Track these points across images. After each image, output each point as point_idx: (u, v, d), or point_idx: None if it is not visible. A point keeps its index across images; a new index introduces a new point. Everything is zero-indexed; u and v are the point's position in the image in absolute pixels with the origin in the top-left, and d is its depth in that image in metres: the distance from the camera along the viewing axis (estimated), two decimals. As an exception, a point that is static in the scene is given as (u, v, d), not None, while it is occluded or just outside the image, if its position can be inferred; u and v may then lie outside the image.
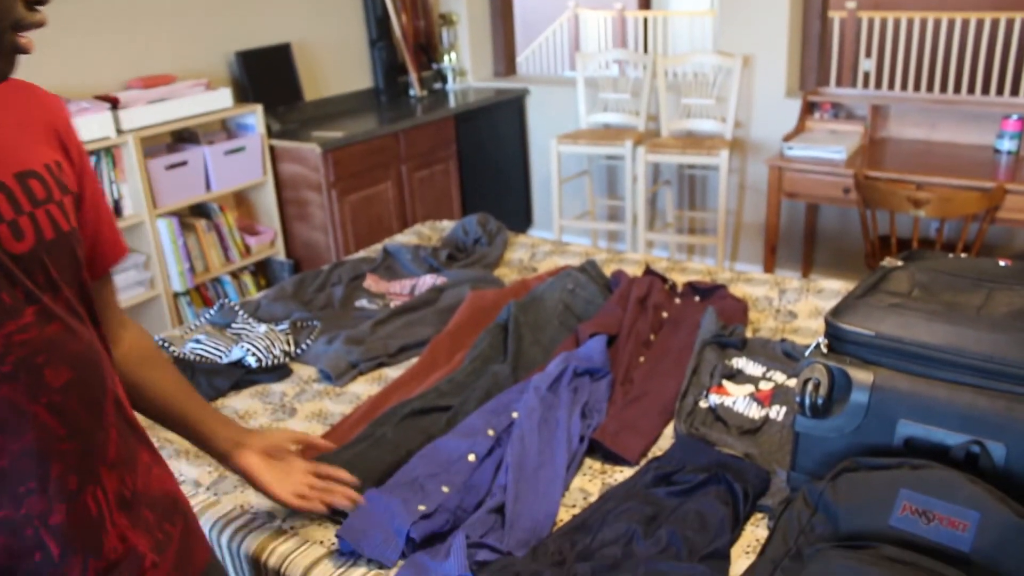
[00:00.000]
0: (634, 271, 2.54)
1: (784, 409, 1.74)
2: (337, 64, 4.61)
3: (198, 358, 2.09)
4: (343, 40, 4.62)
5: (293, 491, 1.34)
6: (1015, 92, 5.99)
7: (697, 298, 2.29)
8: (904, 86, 6.40)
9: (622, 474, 1.60)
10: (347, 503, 1.37)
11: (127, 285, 3.47)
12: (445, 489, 1.50)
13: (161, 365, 1.23)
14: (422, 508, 1.42)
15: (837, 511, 1.18)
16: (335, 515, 1.47)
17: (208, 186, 3.73)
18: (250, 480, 1.33)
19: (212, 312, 2.36)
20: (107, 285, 1.12)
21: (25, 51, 0.80)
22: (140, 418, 1.09)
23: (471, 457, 1.58)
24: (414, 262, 2.69)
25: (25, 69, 3.21)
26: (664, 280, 2.34)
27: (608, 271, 2.54)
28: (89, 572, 0.91)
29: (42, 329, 0.86)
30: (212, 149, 3.68)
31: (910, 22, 6.33)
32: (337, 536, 1.37)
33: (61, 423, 0.88)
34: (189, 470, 1.66)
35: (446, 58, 5.09)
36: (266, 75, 4.11)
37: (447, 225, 3.12)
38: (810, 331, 2.12)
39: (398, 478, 1.53)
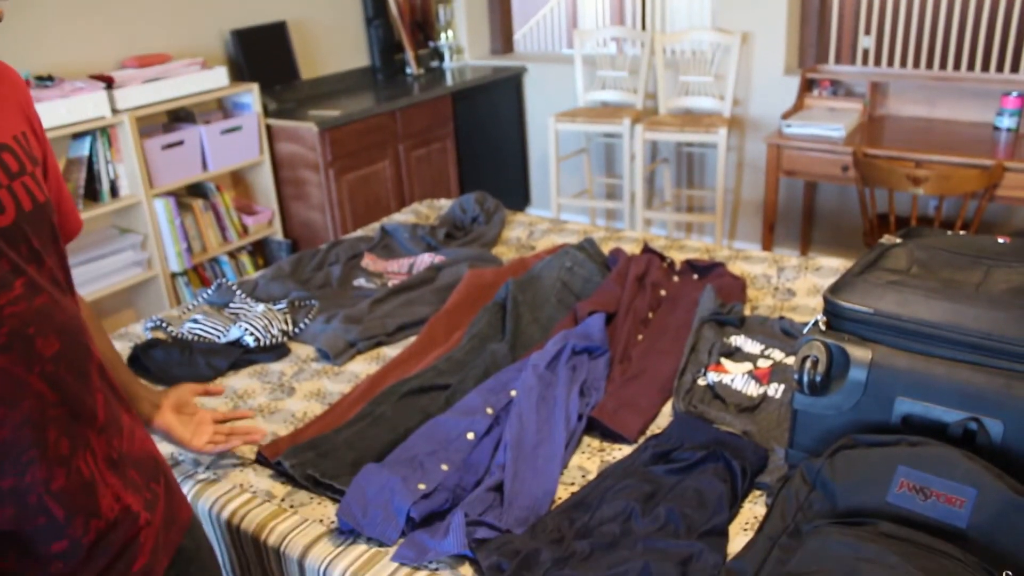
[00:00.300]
0: (632, 249, 2.54)
1: (782, 387, 1.74)
2: (333, 42, 4.58)
3: (196, 338, 2.09)
4: (339, 18, 4.58)
5: (205, 441, 1.47)
6: (1015, 69, 5.97)
7: (695, 276, 2.28)
8: (904, 63, 6.37)
9: (620, 452, 1.60)
10: (250, 441, 1.51)
11: (125, 266, 3.46)
12: (444, 467, 1.50)
13: (99, 333, 1.27)
14: (422, 487, 1.43)
15: (835, 488, 1.18)
16: (327, 492, 1.47)
17: (205, 166, 3.72)
18: (169, 438, 1.42)
19: (210, 292, 2.35)
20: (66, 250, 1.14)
21: None
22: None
23: (470, 435, 1.58)
24: (412, 241, 2.68)
25: (19, 48, 3.19)
26: (662, 258, 2.33)
27: (606, 249, 2.53)
28: (91, 532, 0.95)
29: (31, 301, 0.87)
30: (208, 128, 3.66)
31: (910, -2, 6.28)
32: (337, 516, 1.38)
33: (53, 390, 0.90)
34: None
35: (443, 36, 5.06)
36: (262, 54, 4.08)
37: (444, 204, 3.11)
38: (808, 309, 2.12)
39: (397, 455, 1.53)
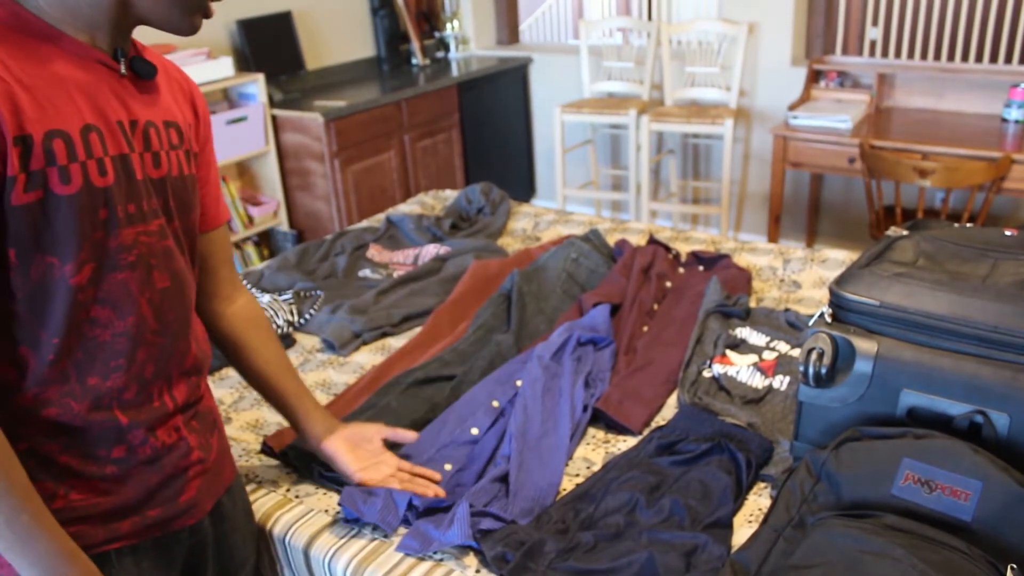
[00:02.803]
0: (638, 240, 2.53)
1: (787, 379, 1.74)
2: (339, 32, 4.57)
3: (202, 328, 2.10)
4: (345, 8, 4.57)
5: (379, 479, 1.42)
6: (1023, 61, 5.93)
7: (701, 268, 2.28)
8: (911, 54, 6.34)
9: (625, 443, 1.60)
10: (429, 494, 1.41)
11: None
12: (448, 467, 1.51)
13: (266, 333, 1.38)
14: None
15: (840, 480, 1.18)
16: (332, 484, 1.48)
17: (210, 156, 3.71)
18: (334, 464, 1.43)
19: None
20: (221, 239, 1.31)
21: (209, 15, 1.06)
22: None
23: (474, 431, 1.58)
24: (417, 232, 2.68)
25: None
26: (668, 249, 2.33)
27: (612, 240, 2.53)
28: (147, 447, 1.09)
29: (159, 239, 1.07)
30: (214, 119, 3.65)
31: (918, -11, 6.24)
32: (339, 504, 1.38)
33: (155, 319, 1.07)
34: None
35: (448, 26, 5.05)
36: (267, 44, 4.08)
37: (450, 195, 3.11)
38: (814, 301, 2.12)
39: (401, 458, 1.52)
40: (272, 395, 1.40)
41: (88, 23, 0.99)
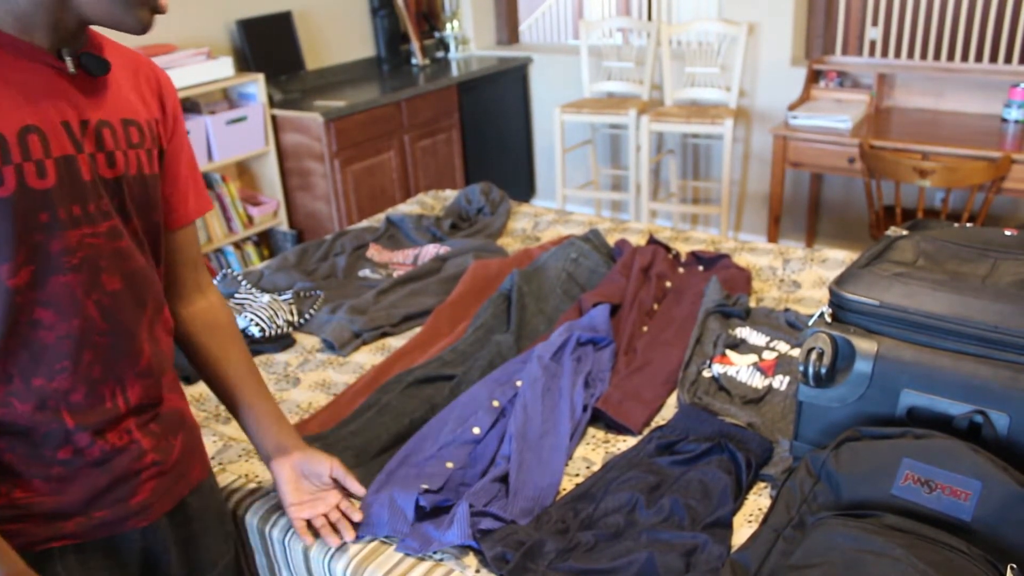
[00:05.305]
0: (638, 240, 2.53)
1: (787, 379, 1.74)
2: (339, 33, 4.57)
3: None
4: (344, 8, 4.57)
5: (302, 518, 1.35)
6: (1023, 61, 5.93)
7: (701, 268, 2.28)
8: (911, 54, 6.34)
9: (625, 443, 1.60)
10: (337, 542, 1.35)
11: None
12: (449, 464, 1.50)
13: (225, 339, 1.33)
14: (425, 486, 1.42)
15: (839, 480, 1.18)
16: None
17: (210, 156, 3.71)
18: (276, 486, 1.36)
19: (215, 282, 2.36)
20: (186, 237, 1.27)
21: (162, 11, 1.02)
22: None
23: (475, 430, 1.58)
24: (417, 232, 2.68)
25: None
26: (668, 249, 2.33)
27: (611, 240, 2.53)
28: (95, 450, 1.07)
29: (109, 241, 1.05)
30: (214, 119, 3.66)
31: (918, -11, 6.24)
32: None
33: (104, 319, 1.05)
34: (194, 439, 1.66)
35: (448, 26, 5.05)
36: (267, 44, 4.07)
37: (450, 195, 3.11)
38: (814, 301, 2.12)
39: (399, 458, 1.52)
40: (227, 403, 1.35)
41: (28, 22, 0.96)
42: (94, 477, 1.08)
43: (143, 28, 1.01)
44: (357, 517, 1.37)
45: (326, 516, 1.36)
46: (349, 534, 1.35)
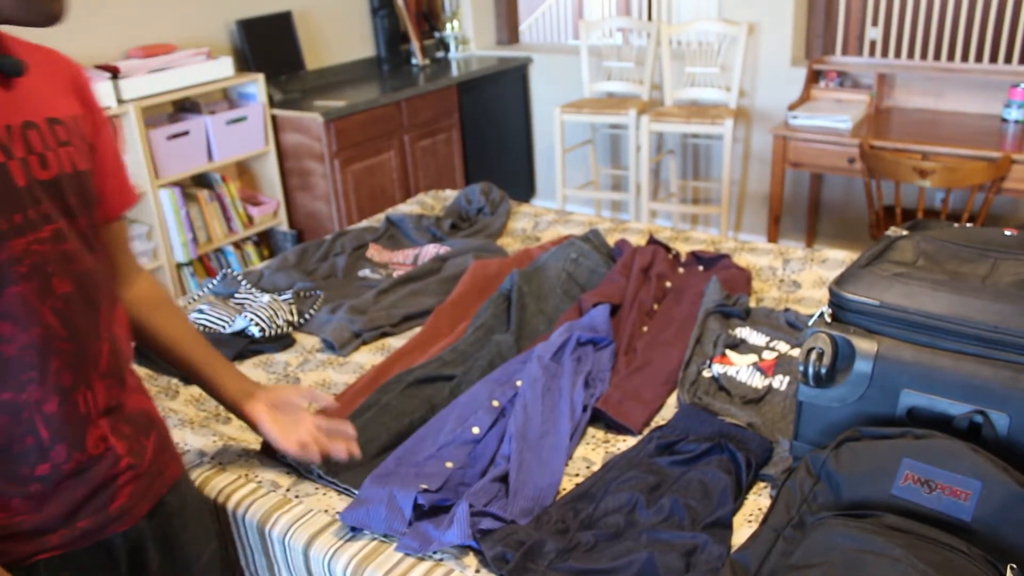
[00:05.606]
0: (638, 240, 2.53)
1: (787, 379, 1.74)
2: (339, 32, 4.57)
3: (201, 328, 2.09)
4: (344, 8, 4.57)
5: (297, 440, 1.41)
6: (1023, 61, 5.93)
7: (701, 268, 2.28)
8: (911, 55, 6.34)
9: (625, 443, 1.60)
10: (344, 455, 1.42)
11: (130, 255, 3.46)
12: (449, 464, 1.50)
13: (170, 311, 1.37)
14: (424, 486, 1.42)
15: (839, 480, 1.18)
16: (328, 475, 1.48)
17: (210, 156, 3.72)
18: (257, 428, 1.42)
19: (215, 282, 2.36)
20: (120, 229, 1.27)
21: None
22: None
23: (475, 430, 1.58)
24: (417, 231, 2.68)
25: (24, 38, 3.18)
26: (668, 249, 2.33)
27: (611, 240, 2.53)
28: (72, 462, 1.07)
29: (55, 245, 1.03)
30: (214, 119, 3.66)
31: (918, -11, 6.24)
32: (341, 519, 1.37)
33: (63, 326, 1.04)
34: (194, 439, 1.67)
35: (448, 26, 5.05)
36: (267, 44, 4.08)
37: (450, 194, 3.11)
38: (814, 301, 2.12)
39: (398, 457, 1.52)
40: (184, 368, 1.39)
41: None
42: (73, 489, 1.08)
43: (53, 20, 0.98)
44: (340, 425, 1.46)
45: (314, 439, 1.43)
46: (344, 452, 1.42)
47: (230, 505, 1.47)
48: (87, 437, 1.08)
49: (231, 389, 1.41)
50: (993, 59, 6.02)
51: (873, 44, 6.53)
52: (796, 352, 1.84)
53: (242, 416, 1.42)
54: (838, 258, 2.31)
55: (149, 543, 1.20)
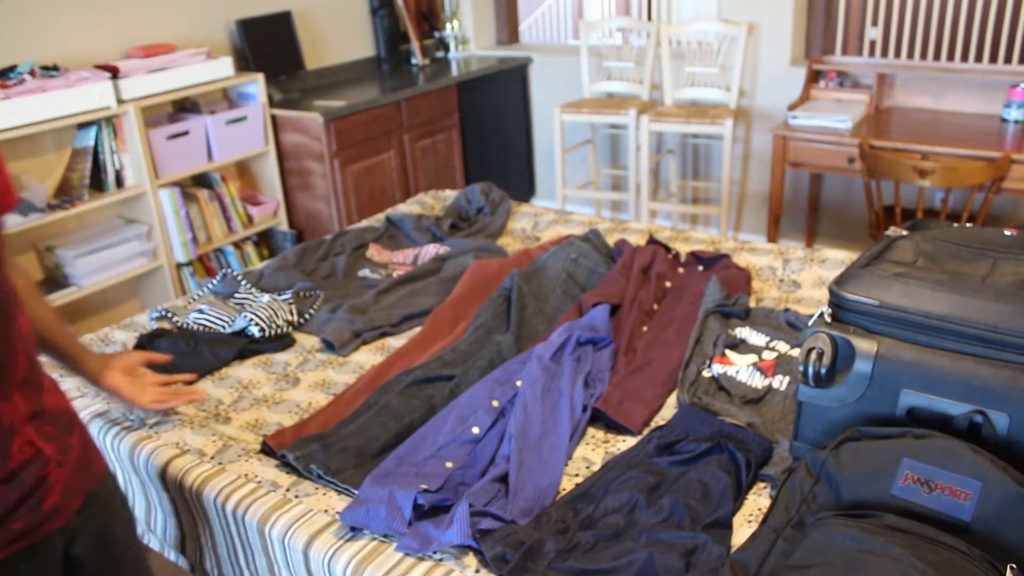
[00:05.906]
0: (637, 240, 2.53)
1: (787, 379, 1.74)
2: (338, 32, 4.57)
3: (201, 328, 2.09)
4: (344, 8, 4.57)
5: (151, 399, 1.62)
6: (1023, 61, 5.93)
7: (700, 267, 2.28)
8: (911, 54, 6.34)
9: (625, 443, 1.60)
10: (192, 400, 1.68)
11: (130, 256, 3.47)
12: (449, 464, 1.50)
13: (38, 300, 1.40)
14: (424, 487, 1.42)
15: (839, 480, 1.18)
16: (332, 484, 1.48)
17: (210, 156, 3.72)
18: (118, 396, 1.58)
19: (215, 282, 2.36)
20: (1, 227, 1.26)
21: None
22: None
23: (475, 430, 1.58)
24: (417, 231, 2.68)
25: (24, 38, 3.18)
26: (667, 249, 2.33)
27: (611, 240, 2.53)
28: (4, 470, 1.09)
29: None
30: (213, 119, 3.66)
31: (917, -11, 6.24)
32: (340, 519, 1.37)
33: None
34: (194, 439, 1.67)
35: (448, 26, 5.05)
36: (267, 44, 4.07)
37: (450, 194, 3.10)
38: (814, 301, 2.12)
39: (398, 457, 1.52)
40: (51, 351, 1.44)
41: None
42: (6, 495, 1.09)
43: None
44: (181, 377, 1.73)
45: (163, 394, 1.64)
46: (194, 396, 1.69)
47: (230, 505, 1.47)
48: (12, 445, 1.10)
49: (91, 364, 1.52)
50: (993, 59, 6.02)
51: (873, 44, 6.54)
52: (796, 352, 1.84)
53: (102, 386, 1.55)
54: (838, 258, 2.31)
55: (82, 537, 1.24)
